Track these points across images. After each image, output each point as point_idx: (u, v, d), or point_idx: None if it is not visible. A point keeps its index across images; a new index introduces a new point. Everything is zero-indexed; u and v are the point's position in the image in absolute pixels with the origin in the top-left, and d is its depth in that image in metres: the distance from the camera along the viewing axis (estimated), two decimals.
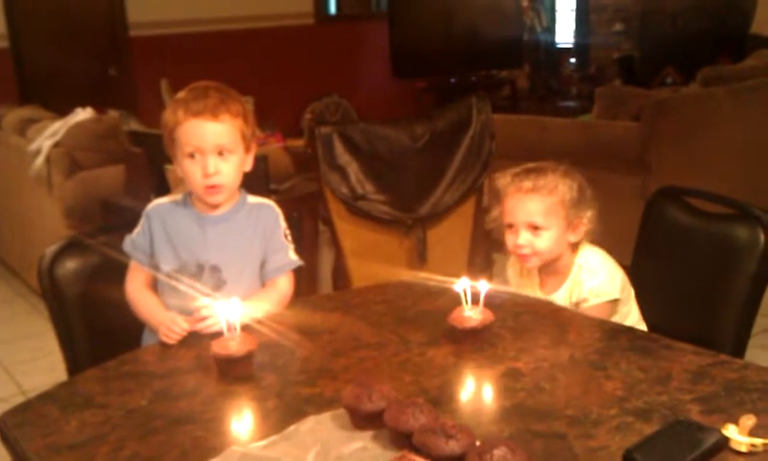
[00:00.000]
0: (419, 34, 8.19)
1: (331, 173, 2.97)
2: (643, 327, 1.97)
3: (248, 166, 1.86)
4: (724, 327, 1.89)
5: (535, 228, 1.89)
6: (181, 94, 1.81)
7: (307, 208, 3.75)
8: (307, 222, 3.78)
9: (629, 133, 4.15)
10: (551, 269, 1.96)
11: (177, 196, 1.90)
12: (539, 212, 1.89)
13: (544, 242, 1.90)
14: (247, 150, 1.84)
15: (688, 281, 2.02)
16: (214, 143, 1.76)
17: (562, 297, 1.95)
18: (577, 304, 1.91)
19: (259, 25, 7.72)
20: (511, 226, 1.93)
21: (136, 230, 1.88)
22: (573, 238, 1.93)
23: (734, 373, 1.43)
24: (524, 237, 1.90)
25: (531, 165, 1.95)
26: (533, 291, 2.00)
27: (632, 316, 1.97)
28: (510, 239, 1.94)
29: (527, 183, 1.90)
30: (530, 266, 1.97)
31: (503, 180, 1.95)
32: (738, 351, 1.85)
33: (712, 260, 1.98)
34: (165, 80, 6.44)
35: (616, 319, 1.92)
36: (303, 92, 7.81)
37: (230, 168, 1.79)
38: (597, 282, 1.90)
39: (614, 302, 1.92)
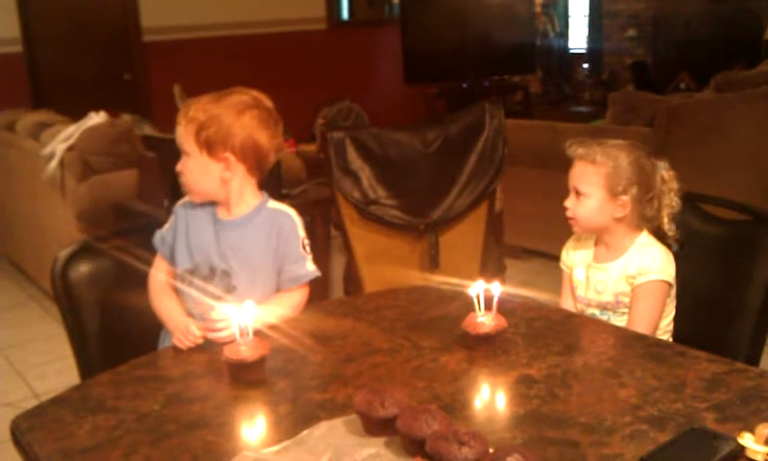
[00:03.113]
0: (431, 39, 8.19)
1: (343, 178, 2.97)
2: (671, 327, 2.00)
3: (228, 175, 1.81)
4: (739, 334, 1.87)
5: (577, 193, 1.96)
6: None
7: (319, 213, 3.75)
8: (319, 227, 3.78)
9: (642, 139, 4.13)
10: (608, 242, 1.99)
11: None
12: (581, 179, 1.96)
13: (583, 209, 1.96)
14: (211, 155, 1.80)
15: (702, 288, 2.00)
16: (178, 143, 1.84)
17: (617, 268, 1.96)
18: (634, 277, 1.92)
19: (272, 30, 7.74)
20: (568, 189, 2.01)
21: (166, 226, 1.92)
22: (618, 214, 1.95)
23: (750, 381, 1.42)
24: (570, 201, 1.98)
25: (601, 139, 2.01)
26: (585, 260, 2.03)
27: (672, 315, 1.99)
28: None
29: (580, 150, 1.97)
30: (575, 231, 2.04)
31: (566, 144, 2.02)
32: (753, 358, 1.84)
33: (727, 267, 1.97)
34: (178, 84, 6.46)
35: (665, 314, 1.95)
36: (316, 97, 7.83)
37: (188, 169, 1.84)
38: (658, 258, 1.92)
39: (669, 286, 1.93)
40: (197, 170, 1.82)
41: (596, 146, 1.96)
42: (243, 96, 1.84)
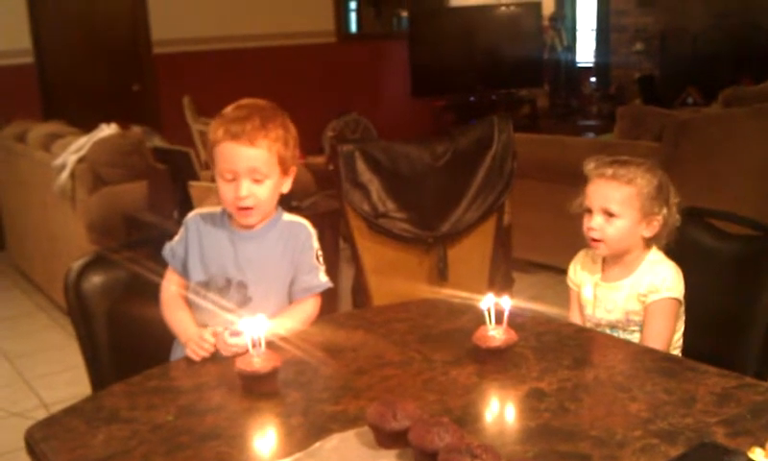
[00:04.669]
0: (438, 52, 8.22)
1: (353, 190, 2.98)
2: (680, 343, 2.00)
3: (286, 188, 1.87)
4: (748, 349, 1.88)
5: (609, 214, 1.95)
6: (227, 111, 1.82)
7: (328, 225, 3.76)
8: (328, 239, 3.79)
9: (651, 154, 4.14)
10: (618, 261, 2.00)
11: (217, 208, 1.90)
12: (614, 200, 1.94)
13: (615, 230, 1.94)
14: (284, 173, 1.84)
15: (711, 303, 2.01)
16: (248, 167, 1.77)
17: (627, 287, 1.97)
18: (645, 296, 1.93)
19: (281, 43, 7.78)
20: (589, 210, 1.98)
21: (176, 238, 1.90)
22: (647, 233, 1.96)
23: (760, 395, 1.42)
24: (597, 221, 1.96)
25: (619, 157, 2.00)
26: (593, 278, 2.03)
27: (681, 331, 2.00)
28: (585, 222, 1.99)
29: (608, 171, 1.96)
30: (599, 253, 2.01)
31: (588, 165, 2.01)
32: (763, 373, 1.83)
33: (735, 282, 1.98)
34: (188, 96, 6.50)
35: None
36: (324, 110, 7.86)
37: (264, 192, 1.80)
38: (669, 276, 1.93)
39: (680, 303, 1.94)
40: (274, 190, 1.82)
41: (622, 166, 1.95)
42: (275, 104, 1.86)
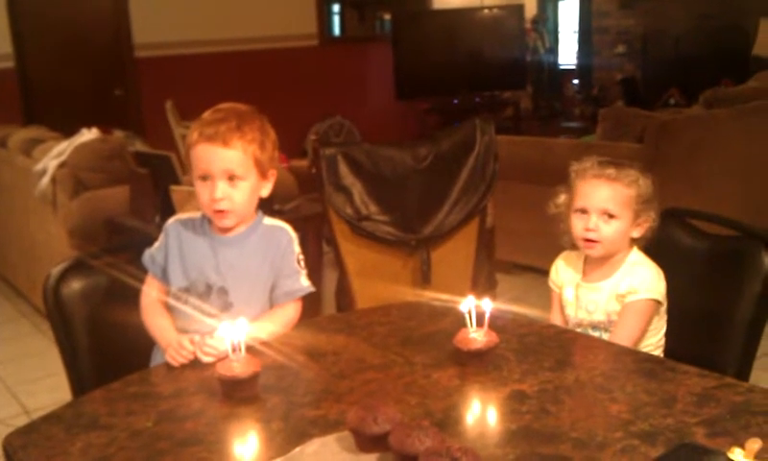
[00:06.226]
0: (422, 55, 8.24)
1: (336, 194, 2.98)
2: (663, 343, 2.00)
3: (265, 192, 1.86)
4: (728, 349, 1.88)
5: (609, 215, 1.94)
6: (205, 115, 1.82)
7: (311, 229, 3.75)
8: (311, 242, 3.78)
9: (632, 155, 4.16)
10: (602, 262, 1.99)
11: (196, 214, 1.90)
12: (615, 201, 1.94)
13: (612, 230, 1.94)
14: (262, 176, 1.83)
15: (692, 303, 2.01)
16: (223, 169, 1.76)
17: (608, 287, 1.96)
18: (624, 296, 1.93)
19: (264, 46, 7.77)
20: (584, 211, 1.97)
21: (156, 244, 1.89)
22: (636, 234, 1.97)
23: (740, 396, 1.43)
24: (594, 222, 1.95)
25: (604, 158, 2.00)
26: (574, 279, 2.03)
27: (663, 331, 2.00)
28: (579, 223, 1.98)
29: (610, 172, 1.95)
30: (593, 254, 1.99)
31: (582, 165, 2.00)
32: (743, 373, 1.85)
33: (716, 282, 1.98)
34: (170, 101, 6.48)
35: (652, 329, 1.96)
36: (307, 113, 7.85)
37: (240, 194, 1.79)
38: (648, 277, 1.93)
39: (658, 304, 1.94)
40: (250, 192, 1.81)
41: (622, 169, 1.96)
42: (255, 108, 1.85)
